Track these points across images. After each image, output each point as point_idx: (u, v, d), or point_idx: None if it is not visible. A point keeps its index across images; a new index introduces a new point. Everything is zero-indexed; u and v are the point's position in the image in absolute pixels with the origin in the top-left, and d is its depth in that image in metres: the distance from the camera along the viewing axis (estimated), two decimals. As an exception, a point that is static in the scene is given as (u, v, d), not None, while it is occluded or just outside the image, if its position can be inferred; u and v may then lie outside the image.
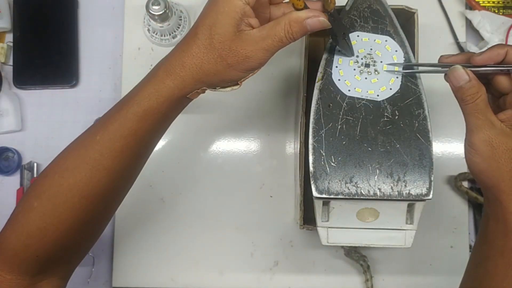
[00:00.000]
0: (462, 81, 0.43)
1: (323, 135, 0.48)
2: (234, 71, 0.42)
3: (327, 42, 0.51)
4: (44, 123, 0.69)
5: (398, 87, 0.49)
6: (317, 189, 0.47)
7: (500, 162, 0.43)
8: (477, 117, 0.43)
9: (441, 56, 0.47)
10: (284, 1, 0.46)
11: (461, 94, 0.43)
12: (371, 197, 0.47)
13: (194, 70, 0.42)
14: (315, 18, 0.42)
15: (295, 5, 0.43)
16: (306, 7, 0.43)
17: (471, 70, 0.43)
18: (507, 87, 0.45)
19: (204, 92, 0.44)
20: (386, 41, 0.51)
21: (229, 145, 0.68)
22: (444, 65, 0.46)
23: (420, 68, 0.50)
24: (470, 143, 0.44)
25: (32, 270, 0.44)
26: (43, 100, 0.69)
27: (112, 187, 0.45)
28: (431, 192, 0.47)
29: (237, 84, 0.44)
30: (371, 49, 0.50)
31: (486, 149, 0.43)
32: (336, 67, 0.50)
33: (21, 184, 0.67)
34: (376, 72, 0.50)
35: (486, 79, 0.45)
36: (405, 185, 0.47)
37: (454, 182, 0.65)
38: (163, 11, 0.62)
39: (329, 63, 0.50)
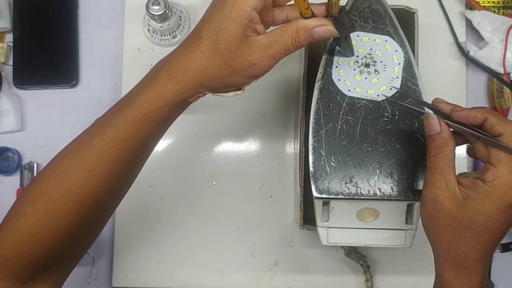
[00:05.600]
0: (433, 131, 0.42)
1: (323, 135, 0.48)
2: (239, 77, 0.42)
3: (327, 42, 0.51)
4: (44, 123, 0.69)
5: (398, 87, 0.49)
6: (317, 189, 0.47)
7: (440, 226, 0.41)
8: (432, 173, 0.42)
9: (435, 99, 0.45)
10: (287, 4, 0.45)
11: (429, 143, 0.42)
12: (371, 197, 0.47)
13: (197, 75, 0.41)
14: (324, 27, 0.41)
15: (303, 14, 0.42)
16: (313, 15, 0.42)
17: (445, 122, 0.42)
18: (483, 156, 0.42)
19: (204, 95, 0.44)
20: (386, 41, 0.51)
21: (229, 145, 0.68)
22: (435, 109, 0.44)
23: (413, 103, 0.48)
24: (422, 194, 0.43)
25: (22, 277, 0.43)
26: (43, 100, 0.69)
27: (109, 191, 0.44)
28: (431, 192, 0.47)
29: (240, 89, 0.44)
30: (371, 49, 0.50)
31: (431, 207, 0.41)
32: (336, 67, 0.50)
33: (21, 184, 0.67)
34: (376, 72, 0.50)
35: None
36: (405, 185, 0.47)
37: (454, 182, 0.65)
38: (163, 11, 0.62)
39: (329, 63, 0.50)
